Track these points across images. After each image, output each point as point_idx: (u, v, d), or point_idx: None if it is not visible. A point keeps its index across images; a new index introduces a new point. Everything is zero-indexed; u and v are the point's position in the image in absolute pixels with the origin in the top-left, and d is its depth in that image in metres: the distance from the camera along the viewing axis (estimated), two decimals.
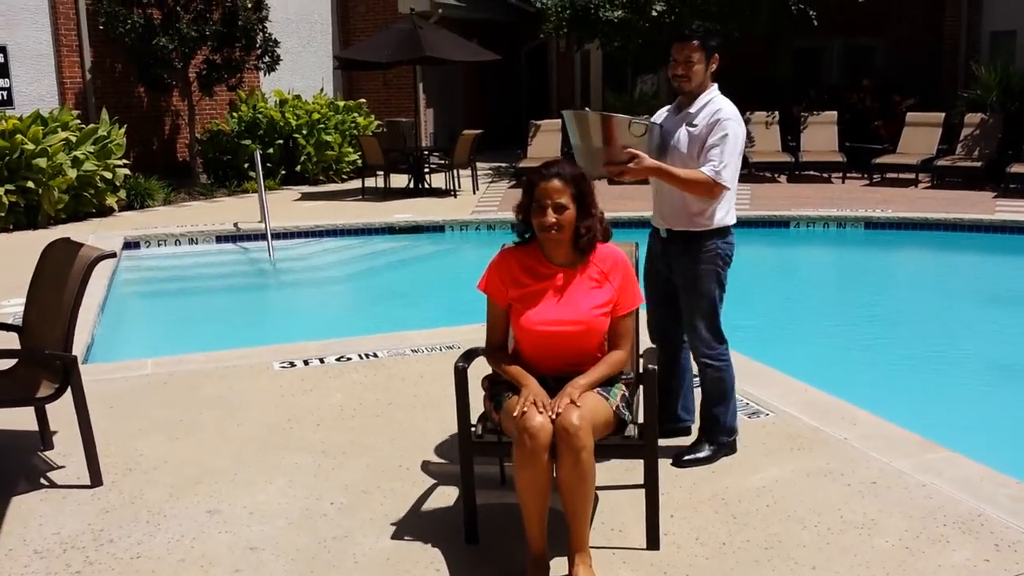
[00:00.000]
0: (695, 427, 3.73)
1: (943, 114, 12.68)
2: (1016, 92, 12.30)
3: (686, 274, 3.51)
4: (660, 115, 3.64)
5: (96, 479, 3.44)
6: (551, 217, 2.86)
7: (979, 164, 11.76)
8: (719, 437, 3.58)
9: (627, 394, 2.95)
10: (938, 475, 3.37)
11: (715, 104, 3.45)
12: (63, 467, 3.63)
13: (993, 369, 5.73)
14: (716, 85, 3.51)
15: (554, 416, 2.66)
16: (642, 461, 2.91)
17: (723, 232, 3.51)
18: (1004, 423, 4.77)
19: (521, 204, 2.98)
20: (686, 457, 3.51)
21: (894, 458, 3.52)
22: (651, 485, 2.89)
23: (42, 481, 3.52)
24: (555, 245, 2.94)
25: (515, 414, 2.69)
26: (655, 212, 3.63)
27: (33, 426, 3.80)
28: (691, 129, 3.44)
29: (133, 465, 3.65)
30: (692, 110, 3.46)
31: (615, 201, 9.03)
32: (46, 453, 3.77)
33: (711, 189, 3.36)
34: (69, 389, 3.37)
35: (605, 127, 3.31)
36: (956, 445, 3.63)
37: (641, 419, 2.93)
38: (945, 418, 4.65)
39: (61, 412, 3.71)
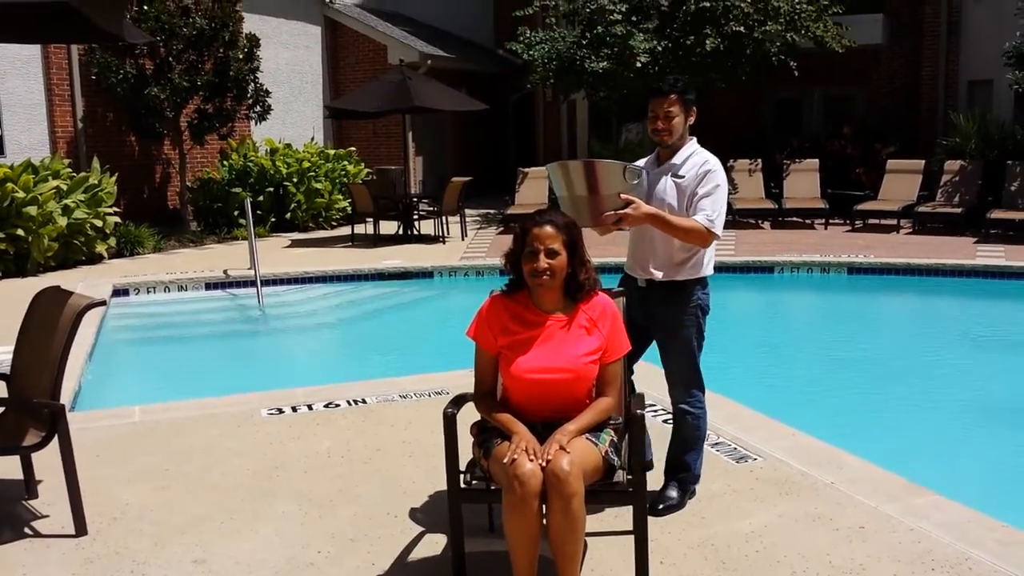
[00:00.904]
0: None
1: (923, 161, 12.90)
2: (994, 140, 12.55)
3: (667, 324, 3.55)
4: (639, 164, 3.67)
5: (81, 528, 3.41)
6: (543, 263, 2.90)
7: (959, 210, 11.94)
8: (688, 484, 3.60)
9: (615, 440, 2.96)
10: (926, 519, 3.38)
11: (700, 155, 3.51)
12: (47, 516, 3.59)
13: (977, 413, 5.77)
14: (694, 138, 3.58)
15: (544, 463, 2.67)
16: (630, 507, 2.91)
17: (703, 282, 3.57)
18: (990, 466, 4.79)
19: (512, 252, 3.01)
20: (661, 506, 3.48)
21: (881, 502, 3.54)
22: (640, 531, 2.89)
23: (26, 530, 3.48)
24: (545, 292, 2.97)
25: (505, 461, 2.69)
26: (633, 260, 3.63)
27: (18, 474, 3.77)
28: (678, 180, 3.48)
29: (119, 514, 3.62)
30: (676, 162, 3.51)
31: (604, 247, 9.03)
32: (31, 502, 3.73)
33: (705, 238, 3.41)
34: (56, 437, 3.36)
35: (589, 174, 3.31)
36: (943, 489, 3.64)
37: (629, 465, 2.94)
38: (931, 462, 4.67)
39: (46, 460, 3.68)
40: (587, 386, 2.97)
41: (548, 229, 2.91)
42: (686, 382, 3.56)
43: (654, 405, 4.70)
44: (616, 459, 2.90)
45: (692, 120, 3.53)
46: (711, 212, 3.39)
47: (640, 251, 3.58)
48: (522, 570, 2.71)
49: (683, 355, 3.54)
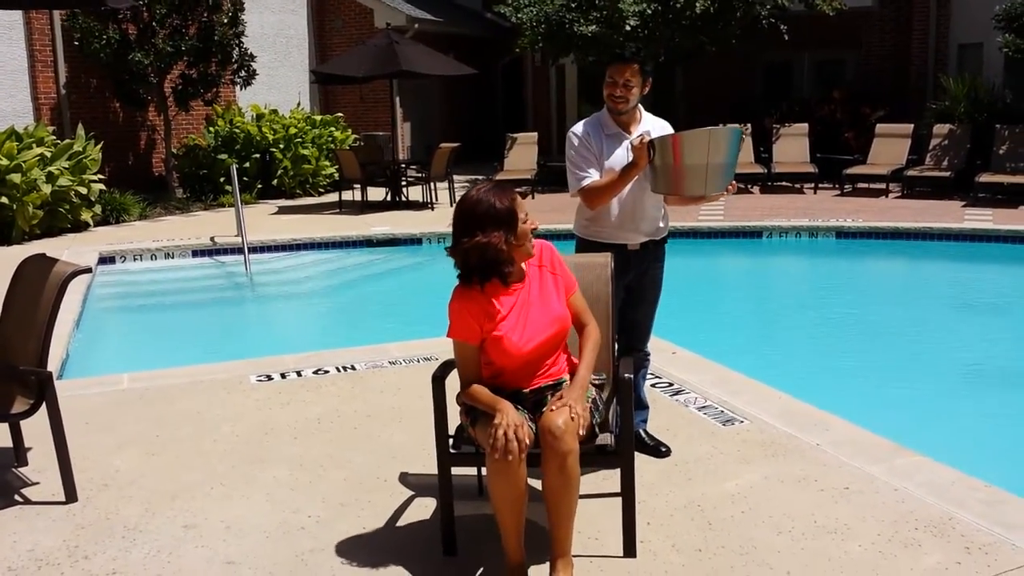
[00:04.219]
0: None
1: (912, 125, 12.88)
2: (983, 103, 12.52)
3: (657, 278, 3.82)
4: (584, 129, 3.63)
5: (71, 495, 3.42)
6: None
7: (948, 174, 11.95)
8: (646, 415, 3.85)
9: (597, 397, 2.96)
10: (909, 479, 3.42)
11: (658, 121, 3.71)
12: (37, 483, 3.60)
13: (963, 375, 5.82)
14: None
15: (527, 443, 2.63)
16: (617, 470, 2.93)
17: None
18: (974, 428, 4.85)
19: (474, 243, 2.76)
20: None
21: (866, 463, 3.58)
22: (627, 493, 2.92)
23: (16, 497, 3.49)
24: (523, 254, 2.90)
25: (490, 442, 2.63)
26: (623, 228, 3.64)
27: (7, 442, 3.78)
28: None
29: (109, 480, 3.63)
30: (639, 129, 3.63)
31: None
32: (20, 469, 3.74)
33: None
34: (44, 405, 3.35)
35: (672, 145, 3.37)
36: (927, 450, 3.68)
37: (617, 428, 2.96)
38: (916, 423, 4.72)
39: (36, 428, 3.68)
40: (569, 329, 2.99)
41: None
42: (650, 328, 3.86)
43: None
44: (596, 416, 2.87)
45: (646, 90, 3.64)
46: None
47: (633, 218, 3.66)
48: (509, 533, 2.73)
49: (656, 305, 3.84)
